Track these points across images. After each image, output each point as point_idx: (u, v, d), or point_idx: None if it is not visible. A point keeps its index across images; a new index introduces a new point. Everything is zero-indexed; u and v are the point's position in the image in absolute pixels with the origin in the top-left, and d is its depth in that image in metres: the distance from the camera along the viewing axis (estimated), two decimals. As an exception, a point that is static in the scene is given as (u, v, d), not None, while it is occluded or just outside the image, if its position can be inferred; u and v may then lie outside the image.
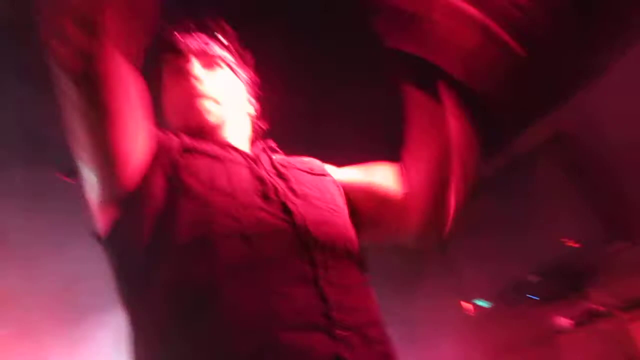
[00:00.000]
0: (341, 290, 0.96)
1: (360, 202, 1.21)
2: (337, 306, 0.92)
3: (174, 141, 1.08)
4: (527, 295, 3.04)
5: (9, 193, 2.52)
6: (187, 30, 1.26)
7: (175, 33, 1.25)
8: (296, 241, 0.98)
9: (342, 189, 1.21)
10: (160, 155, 1.04)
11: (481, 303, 3.34)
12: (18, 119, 2.26)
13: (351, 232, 1.12)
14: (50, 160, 2.57)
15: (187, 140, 1.10)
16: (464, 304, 3.39)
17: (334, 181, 1.23)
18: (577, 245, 2.83)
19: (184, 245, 0.95)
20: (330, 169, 1.28)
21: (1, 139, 2.32)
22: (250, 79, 1.33)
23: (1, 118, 2.22)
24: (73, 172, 2.67)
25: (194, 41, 1.24)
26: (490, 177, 3.30)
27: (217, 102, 1.20)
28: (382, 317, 1.02)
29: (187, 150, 1.06)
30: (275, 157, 1.22)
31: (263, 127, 1.33)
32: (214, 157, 1.07)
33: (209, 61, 1.24)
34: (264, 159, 1.17)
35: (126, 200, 0.99)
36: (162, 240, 0.96)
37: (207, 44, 1.25)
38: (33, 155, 2.50)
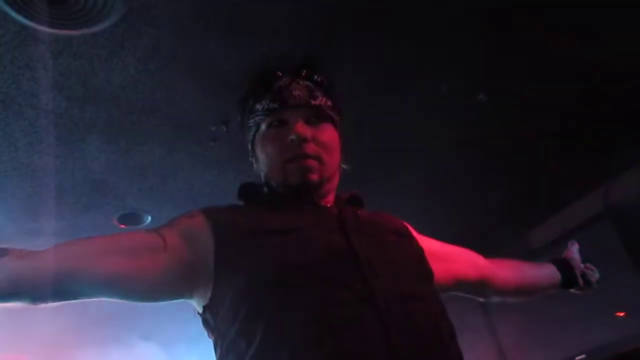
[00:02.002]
0: None
1: (436, 274, 1.16)
2: None
3: (241, 225, 1.03)
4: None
5: (72, 236, 2.66)
6: (292, 76, 1.18)
7: (281, 84, 1.16)
8: (377, 323, 0.90)
9: (425, 252, 1.17)
10: (224, 241, 1.01)
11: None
12: (83, 167, 2.43)
13: (440, 303, 1.05)
14: (110, 207, 2.74)
15: (254, 219, 1.04)
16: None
17: (418, 243, 1.19)
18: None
19: (264, 336, 0.90)
20: (413, 232, 1.25)
21: (67, 185, 2.49)
22: (339, 118, 1.25)
23: (68, 167, 2.39)
24: (128, 219, 2.81)
25: (299, 92, 1.15)
26: (541, 250, 3.25)
27: (320, 161, 1.13)
28: None
29: (254, 233, 1.01)
30: (360, 212, 1.17)
31: (344, 169, 1.26)
32: (285, 232, 1.01)
33: (312, 113, 1.16)
34: (348, 214, 1.11)
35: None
36: (246, 330, 0.93)
37: (311, 93, 1.16)
38: (95, 201, 2.67)
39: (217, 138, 2.33)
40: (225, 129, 2.24)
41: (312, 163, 1.11)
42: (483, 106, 2.39)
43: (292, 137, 1.11)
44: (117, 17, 1.75)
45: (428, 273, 1.11)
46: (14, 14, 1.65)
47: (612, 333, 2.86)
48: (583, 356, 2.85)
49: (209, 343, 1.05)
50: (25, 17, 1.67)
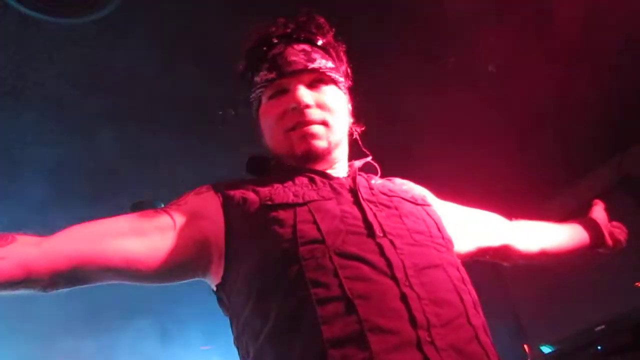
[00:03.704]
0: (452, 353, 0.84)
1: (458, 241, 1.12)
2: None
3: (251, 200, 1.00)
4: (592, 346, 2.88)
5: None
6: (287, 41, 1.11)
7: (275, 52, 1.10)
8: (398, 296, 0.86)
9: (444, 219, 1.12)
10: (234, 217, 0.99)
11: (545, 349, 3.19)
12: (94, 156, 2.43)
13: (462, 272, 1.01)
14: (123, 196, 2.75)
15: (265, 193, 1.00)
16: (527, 348, 3.27)
17: (436, 211, 1.13)
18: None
19: (282, 317, 0.88)
20: (431, 198, 1.21)
21: (79, 175, 2.51)
22: (344, 74, 1.18)
23: (79, 156, 2.40)
24: (141, 207, 2.83)
25: (295, 57, 1.09)
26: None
27: (326, 125, 1.08)
28: None
29: (265, 207, 0.97)
30: (374, 181, 1.11)
31: (357, 131, 1.20)
32: (297, 205, 0.97)
33: (313, 78, 1.10)
34: (362, 184, 1.06)
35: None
36: (258, 316, 0.91)
37: (308, 57, 1.10)
38: (107, 190, 2.68)
39: (225, 121, 2.31)
40: (233, 112, 2.22)
41: (318, 129, 1.07)
42: (493, 76, 2.35)
43: (293, 105, 1.06)
44: (119, 3, 1.73)
45: (447, 241, 1.05)
46: (15, 4, 1.64)
47: (632, 303, 2.83)
48: (602, 327, 2.84)
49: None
50: (27, 6, 1.66)
